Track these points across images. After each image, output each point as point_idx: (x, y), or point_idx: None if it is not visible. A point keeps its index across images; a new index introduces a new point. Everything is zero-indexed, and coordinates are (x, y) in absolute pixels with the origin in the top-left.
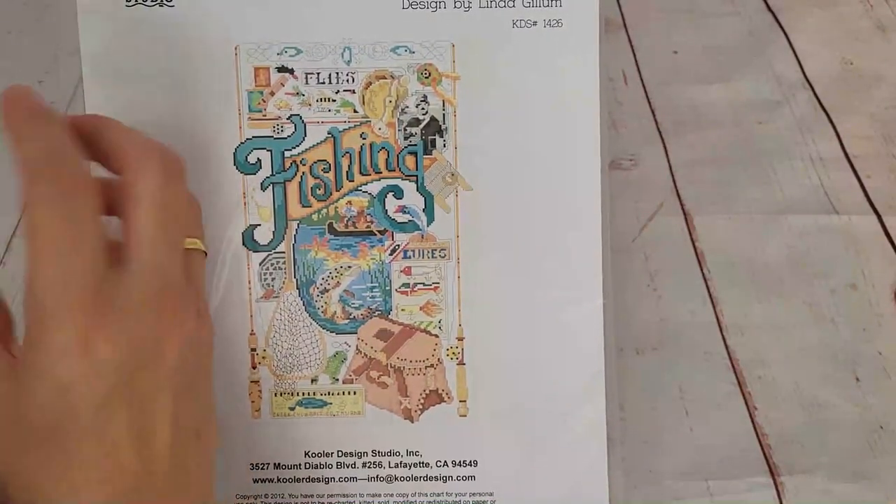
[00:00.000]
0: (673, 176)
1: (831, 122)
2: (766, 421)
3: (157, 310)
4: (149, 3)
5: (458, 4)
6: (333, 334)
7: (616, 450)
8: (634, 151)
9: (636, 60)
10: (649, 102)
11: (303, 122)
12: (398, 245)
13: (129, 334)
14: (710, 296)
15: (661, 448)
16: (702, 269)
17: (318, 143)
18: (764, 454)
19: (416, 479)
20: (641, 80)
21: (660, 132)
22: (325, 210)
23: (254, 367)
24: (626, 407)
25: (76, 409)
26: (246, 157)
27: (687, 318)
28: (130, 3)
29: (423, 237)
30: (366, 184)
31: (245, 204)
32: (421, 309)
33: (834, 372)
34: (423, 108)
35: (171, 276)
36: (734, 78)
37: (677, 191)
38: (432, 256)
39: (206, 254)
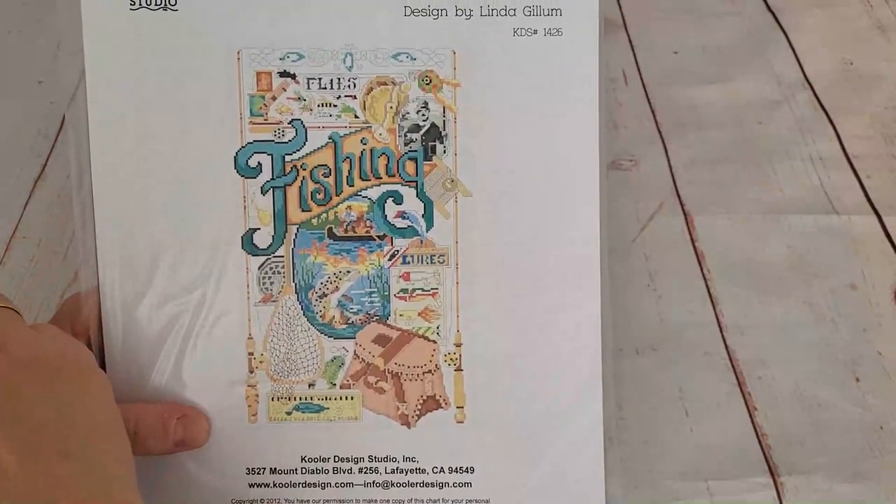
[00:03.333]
0: (673, 176)
1: (831, 122)
2: (766, 421)
3: None
4: (152, 6)
5: (459, 12)
6: (331, 339)
7: (615, 450)
8: (634, 151)
9: (636, 60)
10: (649, 102)
11: (304, 126)
12: (397, 250)
13: None
14: (710, 296)
15: (661, 448)
16: (702, 269)
17: (318, 148)
18: (764, 454)
19: (412, 484)
20: (641, 80)
21: (660, 132)
22: (324, 215)
23: (251, 372)
24: (626, 407)
25: None
26: (247, 161)
27: (687, 318)
28: (134, 7)
29: (422, 243)
30: (366, 189)
31: (245, 208)
32: (419, 314)
33: (834, 372)
34: (423, 115)
35: None
36: (734, 78)
37: (677, 191)
38: (431, 262)
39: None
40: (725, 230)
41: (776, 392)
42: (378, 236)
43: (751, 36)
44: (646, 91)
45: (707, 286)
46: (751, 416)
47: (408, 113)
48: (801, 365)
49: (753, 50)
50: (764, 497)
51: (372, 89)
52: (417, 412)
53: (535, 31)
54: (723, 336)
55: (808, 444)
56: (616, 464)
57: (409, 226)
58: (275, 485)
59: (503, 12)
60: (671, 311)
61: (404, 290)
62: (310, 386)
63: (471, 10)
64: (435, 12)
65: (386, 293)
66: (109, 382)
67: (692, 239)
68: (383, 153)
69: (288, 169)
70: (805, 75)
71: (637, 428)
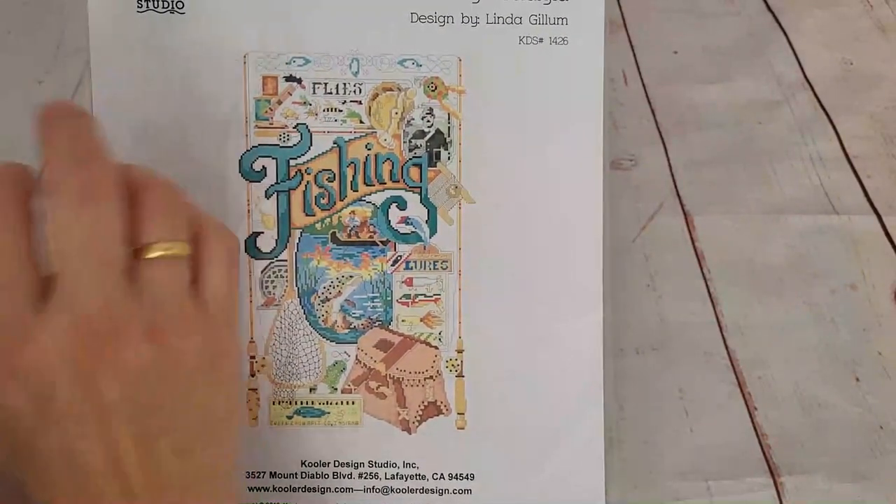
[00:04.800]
0: (673, 176)
1: (831, 122)
2: (766, 421)
3: (77, 350)
4: (160, 9)
5: (465, 19)
6: (333, 343)
7: (615, 450)
8: (634, 151)
9: (636, 60)
10: (649, 102)
11: (309, 131)
12: (400, 256)
13: (40, 378)
14: (710, 296)
15: (661, 448)
16: (702, 269)
17: (323, 153)
18: (764, 454)
19: (412, 490)
20: (641, 80)
21: (660, 132)
22: (328, 219)
23: (252, 375)
24: (626, 407)
25: (30, 436)
26: (251, 165)
27: (687, 318)
28: (142, 9)
29: (425, 248)
30: (370, 194)
31: (249, 211)
32: (421, 320)
33: (834, 372)
34: (428, 121)
35: (92, 308)
36: (734, 78)
37: (677, 191)
38: (434, 268)
39: (184, 256)
40: (725, 230)
41: (776, 392)
42: (381, 241)
43: (751, 36)
44: (646, 91)
45: (707, 286)
46: (751, 416)
47: (413, 119)
48: (801, 365)
49: (753, 50)
50: (764, 497)
51: (377, 95)
52: (418, 418)
53: (541, 40)
54: (723, 336)
55: (808, 444)
56: (616, 464)
57: (412, 231)
58: (274, 489)
59: (509, 20)
60: (671, 311)
61: (407, 296)
62: (311, 390)
63: (477, 18)
64: (441, 19)
65: (388, 298)
66: (239, 372)
67: (692, 239)
68: (388, 159)
69: (292, 173)
70: (805, 75)
71: (637, 428)
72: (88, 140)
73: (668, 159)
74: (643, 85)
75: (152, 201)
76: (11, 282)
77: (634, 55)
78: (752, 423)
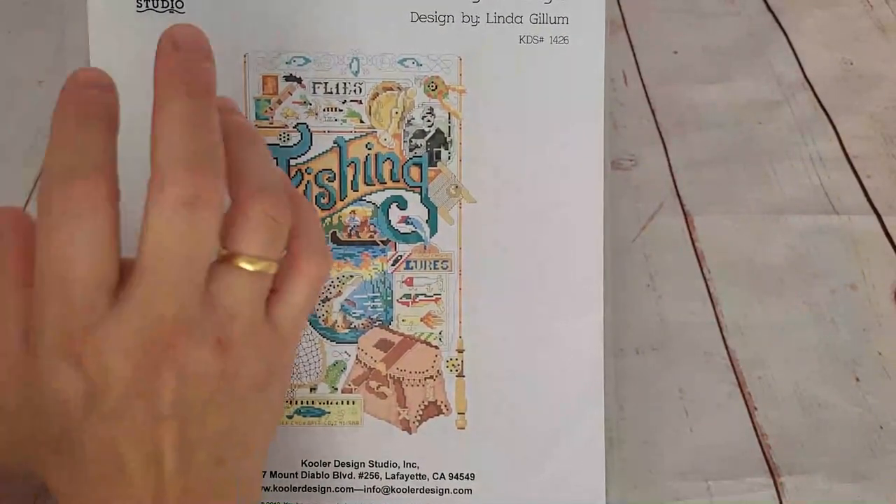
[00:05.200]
0: (673, 176)
1: (831, 122)
2: (766, 421)
3: (143, 348)
4: (159, 8)
5: (466, 19)
6: (333, 343)
7: (615, 450)
8: (634, 151)
9: (636, 60)
10: (649, 102)
11: (309, 130)
12: (400, 255)
13: (99, 370)
14: (710, 296)
15: (661, 448)
16: (702, 269)
17: (323, 153)
18: (764, 454)
19: (412, 490)
20: (641, 80)
21: (660, 132)
22: (328, 219)
23: None
24: (626, 407)
25: (74, 426)
26: None
27: (687, 318)
28: (141, 9)
29: (425, 248)
30: (370, 194)
31: None
32: (422, 320)
33: (834, 372)
34: (428, 121)
35: (168, 310)
36: (734, 78)
37: (677, 191)
38: (434, 268)
39: (270, 273)
40: (725, 230)
41: (776, 392)
42: (382, 241)
43: (751, 36)
44: (646, 91)
45: (707, 286)
46: (751, 416)
47: (413, 119)
48: (801, 365)
49: (753, 50)
50: (764, 497)
51: (378, 94)
52: (418, 418)
53: (542, 39)
54: (723, 336)
55: (808, 444)
56: (616, 464)
57: (412, 231)
58: (274, 488)
59: (510, 19)
60: (671, 311)
61: (407, 296)
62: (311, 390)
63: (477, 17)
64: (442, 19)
65: (389, 298)
66: (286, 393)
67: (692, 239)
68: (388, 158)
69: (293, 173)
70: (805, 75)
71: (637, 428)
72: (205, 140)
73: (668, 159)
74: (643, 85)
75: (259, 215)
76: (91, 268)
77: (634, 55)
78: (752, 423)
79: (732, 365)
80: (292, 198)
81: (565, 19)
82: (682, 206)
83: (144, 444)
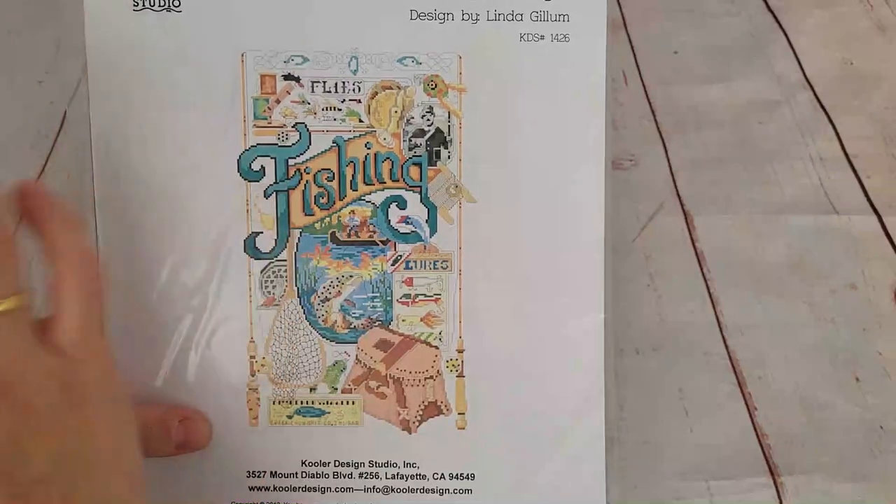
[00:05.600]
0: (673, 176)
1: (831, 122)
2: (766, 421)
3: None
4: (156, 7)
5: (465, 17)
6: (333, 343)
7: (615, 450)
8: (634, 151)
9: (636, 60)
10: (649, 102)
11: (308, 130)
12: (400, 255)
13: None
14: (710, 296)
15: (661, 448)
16: (702, 269)
17: (322, 152)
18: (764, 454)
19: (412, 490)
20: (641, 80)
21: (660, 132)
22: (327, 219)
23: (252, 375)
24: (626, 407)
25: None
26: (250, 165)
27: (687, 318)
28: (138, 8)
29: (425, 248)
30: (369, 193)
31: (248, 211)
32: (422, 320)
33: (834, 372)
34: (428, 120)
35: None
36: (734, 78)
37: (677, 191)
38: (434, 268)
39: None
40: (725, 230)
41: (776, 392)
42: (381, 241)
43: (751, 36)
44: (646, 91)
45: (707, 286)
46: (751, 416)
47: (412, 118)
48: (801, 365)
49: (753, 50)
50: (764, 497)
51: (377, 93)
52: (418, 418)
53: (543, 37)
54: (723, 336)
55: (808, 444)
56: (616, 464)
57: (412, 231)
58: (275, 488)
59: (510, 17)
60: (671, 311)
61: (407, 296)
62: (311, 390)
63: (477, 15)
64: (441, 16)
65: (388, 298)
66: (113, 399)
67: (692, 239)
68: (387, 158)
69: (291, 173)
70: (805, 75)
71: (637, 428)
72: None
73: (668, 159)
74: (643, 85)
75: None
76: None
77: (634, 55)
78: (752, 423)
79: (732, 365)
80: (36, 211)
81: (566, 17)
82: (682, 206)
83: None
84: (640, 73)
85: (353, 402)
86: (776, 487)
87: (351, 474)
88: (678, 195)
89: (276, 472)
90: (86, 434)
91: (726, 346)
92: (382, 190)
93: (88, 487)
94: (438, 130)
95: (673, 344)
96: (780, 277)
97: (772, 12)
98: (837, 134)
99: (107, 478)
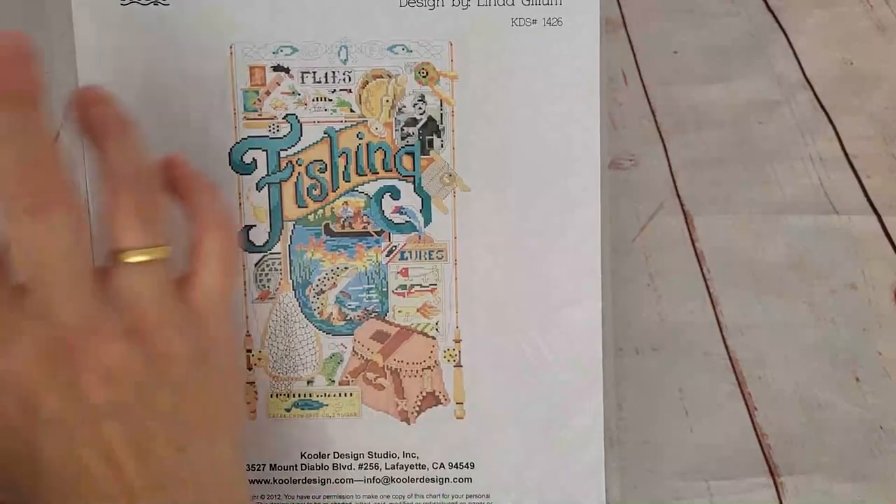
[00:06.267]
0: (673, 176)
1: (831, 122)
2: (766, 421)
3: (47, 356)
4: (143, 1)
5: (456, 2)
6: (330, 336)
7: (615, 450)
8: (634, 151)
9: (636, 60)
10: (649, 102)
11: (299, 121)
12: (395, 246)
13: (21, 389)
14: (710, 296)
15: (661, 448)
16: (702, 269)
17: (314, 143)
18: (764, 454)
19: (412, 480)
20: (641, 80)
21: (660, 132)
22: (321, 211)
23: (250, 369)
24: (626, 407)
25: (27, 444)
26: (241, 157)
27: (687, 318)
28: (125, 2)
29: (420, 238)
30: (362, 184)
31: (240, 204)
32: (418, 311)
33: (834, 372)
34: (420, 108)
35: (64, 317)
36: (734, 78)
37: (677, 191)
38: (429, 258)
39: (163, 259)
40: (725, 230)
41: (776, 392)
42: (375, 232)
43: (751, 36)
44: (646, 91)
45: (707, 286)
46: (751, 416)
47: (404, 106)
48: (801, 365)
49: (753, 50)
50: (764, 497)
51: (367, 83)
52: (417, 408)
53: (535, 21)
54: (723, 336)
55: (808, 444)
56: (616, 464)
57: (406, 221)
58: (274, 481)
59: (501, 2)
60: (671, 311)
61: (403, 286)
62: (308, 383)
63: (468, 0)
64: (431, 3)
65: (384, 289)
66: (235, 364)
67: (692, 239)
68: (380, 148)
69: (283, 165)
70: (805, 75)
71: (637, 428)
72: (39, 140)
73: (668, 159)
74: (643, 85)
75: (127, 207)
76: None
77: (634, 55)
78: (752, 423)
79: (732, 365)
80: (181, 179)
81: (558, 1)
82: (682, 206)
83: (95, 447)
84: (639, 73)
85: (351, 394)
86: (776, 487)
87: (350, 465)
88: (678, 195)
89: (275, 465)
90: (205, 390)
91: (726, 346)
92: (375, 180)
93: (199, 441)
94: (431, 119)
95: (673, 344)
96: (780, 277)
97: (772, 12)
98: (837, 134)
99: (214, 435)
